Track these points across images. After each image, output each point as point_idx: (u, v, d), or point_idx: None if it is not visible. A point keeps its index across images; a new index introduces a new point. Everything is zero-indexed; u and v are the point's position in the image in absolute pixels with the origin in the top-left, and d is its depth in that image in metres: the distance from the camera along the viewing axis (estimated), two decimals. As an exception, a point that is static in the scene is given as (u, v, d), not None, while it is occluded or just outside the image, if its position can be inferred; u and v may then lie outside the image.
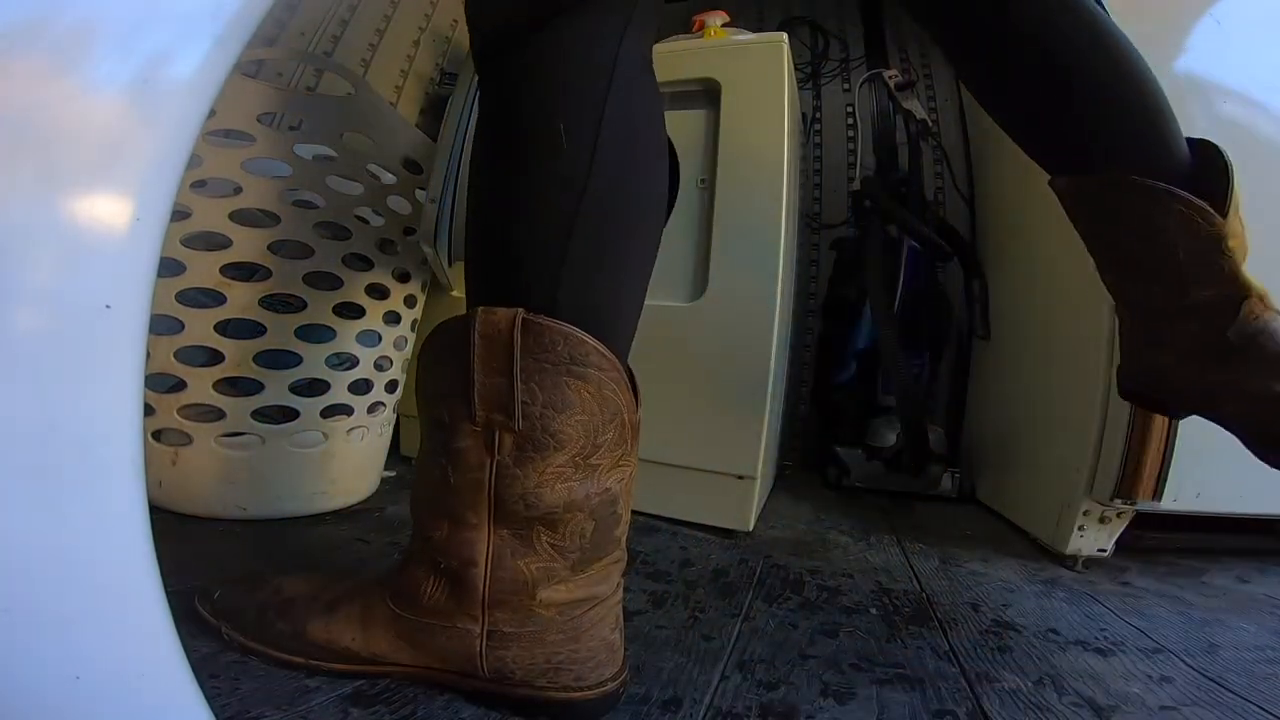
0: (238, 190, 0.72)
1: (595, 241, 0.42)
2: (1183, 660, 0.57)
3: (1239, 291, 0.51)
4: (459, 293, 1.14)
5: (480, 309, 0.41)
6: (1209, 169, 0.51)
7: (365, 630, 0.46)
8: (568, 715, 0.44)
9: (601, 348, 0.41)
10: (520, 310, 0.40)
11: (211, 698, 0.32)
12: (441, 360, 0.44)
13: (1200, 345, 0.53)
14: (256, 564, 0.66)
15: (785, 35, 0.97)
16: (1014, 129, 0.58)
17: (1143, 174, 0.50)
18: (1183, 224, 0.50)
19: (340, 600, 0.48)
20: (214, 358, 0.74)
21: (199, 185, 0.72)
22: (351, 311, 0.82)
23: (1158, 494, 0.78)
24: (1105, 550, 0.83)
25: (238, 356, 0.74)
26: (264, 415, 0.78)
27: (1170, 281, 0.53)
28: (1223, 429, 0.54)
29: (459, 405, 0.42)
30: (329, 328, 0.80)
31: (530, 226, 0.42)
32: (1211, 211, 0.49)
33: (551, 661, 0.43)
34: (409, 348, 0.98)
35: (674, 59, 1.06)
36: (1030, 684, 0.52)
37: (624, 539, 0.46)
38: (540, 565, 0.43)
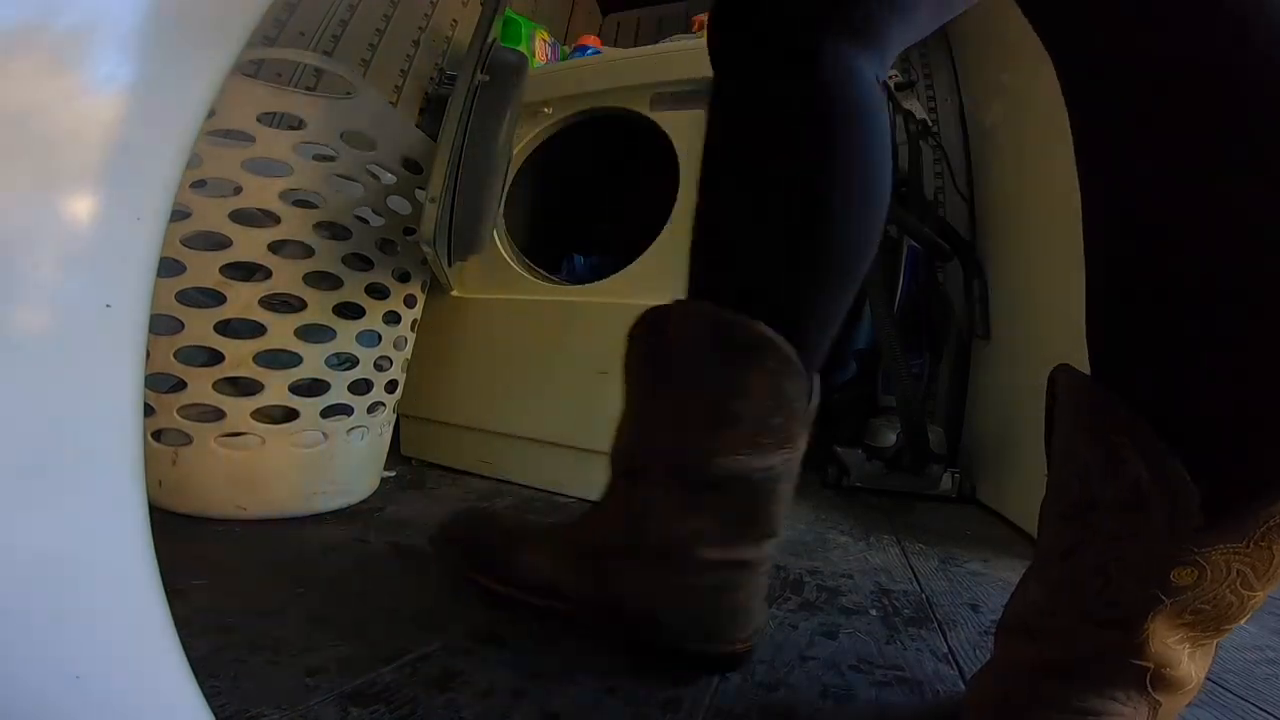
0: (238, 190, 0.72)
1: (802, 245, 0.46)
2: (1182, 660, 0.57)
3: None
4: (459, 292, 1.14)
5: (678, 303, 0.47)
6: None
7: (558, 564, 0.53)
8: (703, 664, 0.49)
9: (782, 345, 0.44)
10: (715, 307, 0.45)
11: (211, 697, 0.32)
12: (643, 343, 0.50)
13: None
14: (256, 564, 0.66)
15: (785, 35, 0.97)
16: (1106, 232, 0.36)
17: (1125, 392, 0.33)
18: (1123, 497, 0.32)
19: (548, 538, 0.55)
20: (214, 358, 0.74)
21: (199, 185, 0.72)
22: (351, 311, 0.82)
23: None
24: (1105, 551, 0.83)
25: (238, 356, 0.74)
26: (264, 415, 0.77)
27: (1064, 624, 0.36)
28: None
29: (655, 382, 0.48)
30: (329, 328, 0.80)
31: (755, 234, 0.47)
32: (1189, 497, 0.30)
33: (698, 615, 0.48)
34: (409, 348, 0.98)
35: (674, 59, 1.06)
36: (1030, 684, 0.52)
37: (779, 517, 0.50)
38: (700, 525, 0.47)
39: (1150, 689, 0.34)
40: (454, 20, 1.54)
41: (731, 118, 0.50)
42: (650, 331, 0.49)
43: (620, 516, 0.50)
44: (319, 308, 0.78)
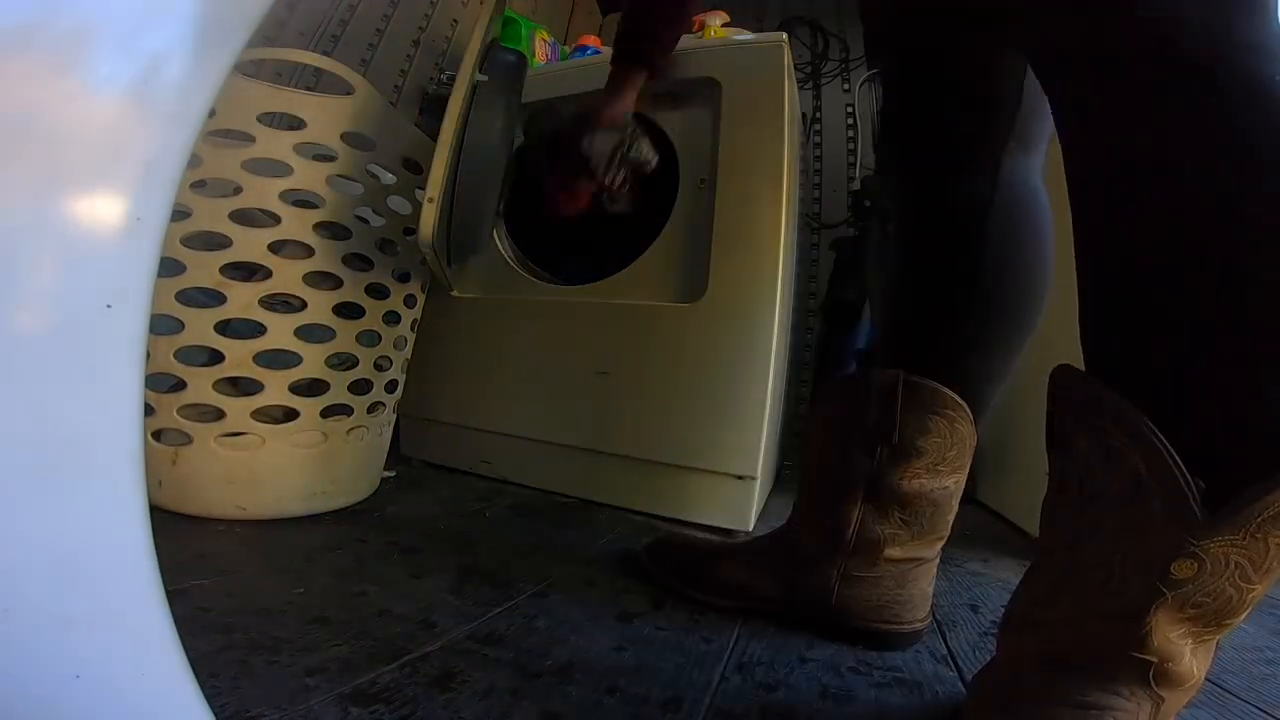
0: (238, 190, 0.72)
1: (974, 327, 0.56)
2: (1182, 661, 0.57)
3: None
4: (459, 292, 1.14)
5: (877, 370, 0.58)
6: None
7: (754, 571, 0.64)
8: (886, 642, 0.58)
9: (957, 399, 0.55)
10: (907, 373, 0.56)
11: (211, 697, 0.32)
12: (842, 395, 0.61)
13: None
14: (256, 564, 0.66)
15: (785, 35, 0.97)
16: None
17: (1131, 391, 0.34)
18: (1123, 492, 0.34)
19: (737, 552, 0.67)
20: (214, 358, 0.74)
21: (199, 185, 0.72)
22: (351, 311, 0.82)
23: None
24: (1105, 551, 0.83)
25: (238, 356, 0.74)
26: (264, 415, 0.77)
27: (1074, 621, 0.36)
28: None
29: (855, 424, 0.59)
30: (329, 328, 0.80)
31: (930, 311, 0.58)
32: (1188, 491, 0.31)
33: (882, 601, 0.59)
34: (409, 348, 0.98)
35: (675, 59, 1.06)
36: (1030, 684, 0.52)
37: (950, 522, 0.60)
38: (890, 531, 0.58)
39: (1153, 684, 0.35)
40: (454, 20, 1.54)
41: (922, 224, 0.60)
42: (850, 389, 0.60)
43: (822, 525, 0.61)
44: (319, 308, 0.78)
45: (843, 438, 0.60)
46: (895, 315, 0.62)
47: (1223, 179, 0.32)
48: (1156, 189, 0.34)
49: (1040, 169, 0.59)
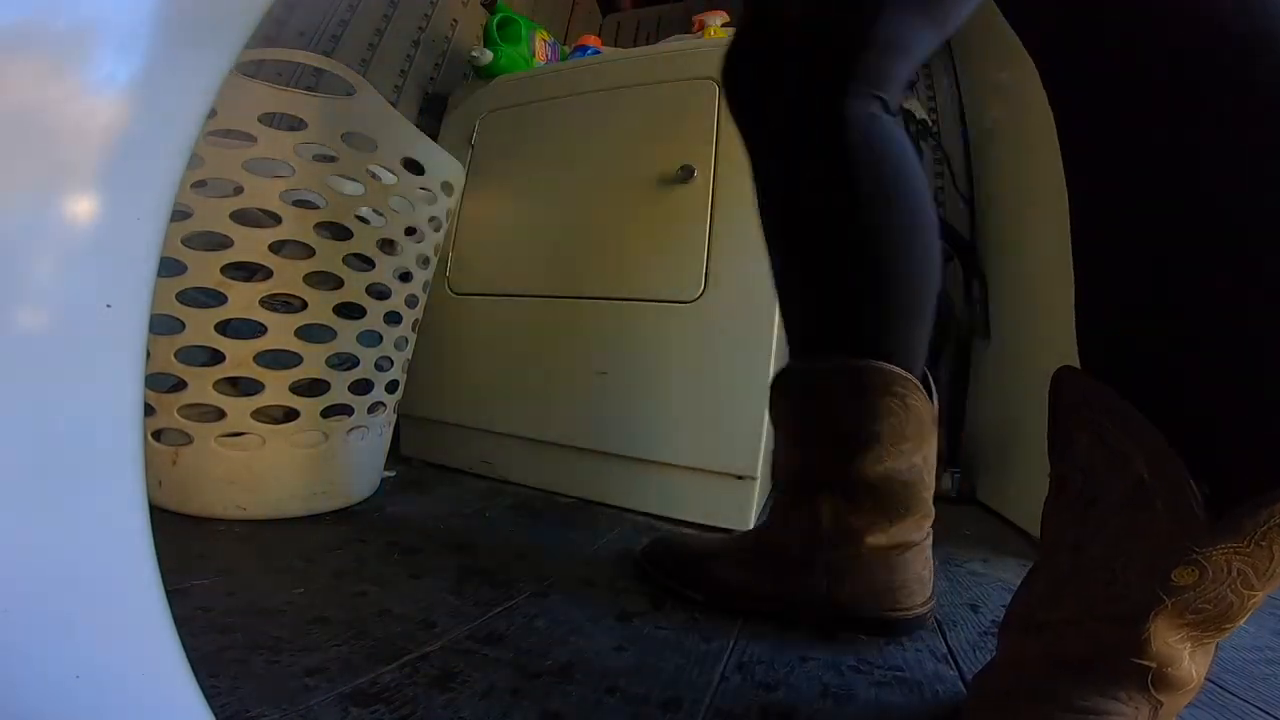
0: (238, 190, 0.72)
1: (894, 300, 0.54)
2: (1182, 661, 0.57)
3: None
4: (460, 293, 1.14)
5: (815, 359, 0.57)
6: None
7: (750, 570, 0.63)
8: (888, 629, 0.58)
9: (903, 373, 0.54)
10: (845, 357, 0.55)
11: (211, 697, 0.32)
12: (790, 393, 0.60)
13: None
14: (256, 564, 0.66)
15: (785, 35, 0.96)
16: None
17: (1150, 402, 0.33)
18: (1127, 495, 0.33)
19: (731, 551, 0.66)
20: (214, 358, 0.74)
21: (199, 185, 0.72)
22: (352, 312, 0.82)
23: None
24: (1105, 551, 0.83)
25: (238, 356, 0.74)
26: (264, 415, 0.78)
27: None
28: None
29: (808, 419, 0.58)
30: (329, 328, 0.80)
31: (843, 294, 0.55)
32: (1191, 496, 0.31)
33: (877, 589, 0.57)
34: (409, 348, 0.98)
35: (674, 59, 1.06)
36: (1030, 684, 0.52)
37: (929, 499, 0.59)
38: (866, 520, 0.57)
39: (1152, 688, 0.35)
40: (454, 20, 1.54)
41: (784, 194, 0.58)
42: (794, 383, 0.59)
43: (798, 524, 0.60)
44: (319, 308, 0.78)
45: (795, 436, 0.59)
46: (799, 300, 0.60)
47: (1252, 175, 0.31)
48: (1173, 185, 0.33)
49: (894, 106, 0.56)
